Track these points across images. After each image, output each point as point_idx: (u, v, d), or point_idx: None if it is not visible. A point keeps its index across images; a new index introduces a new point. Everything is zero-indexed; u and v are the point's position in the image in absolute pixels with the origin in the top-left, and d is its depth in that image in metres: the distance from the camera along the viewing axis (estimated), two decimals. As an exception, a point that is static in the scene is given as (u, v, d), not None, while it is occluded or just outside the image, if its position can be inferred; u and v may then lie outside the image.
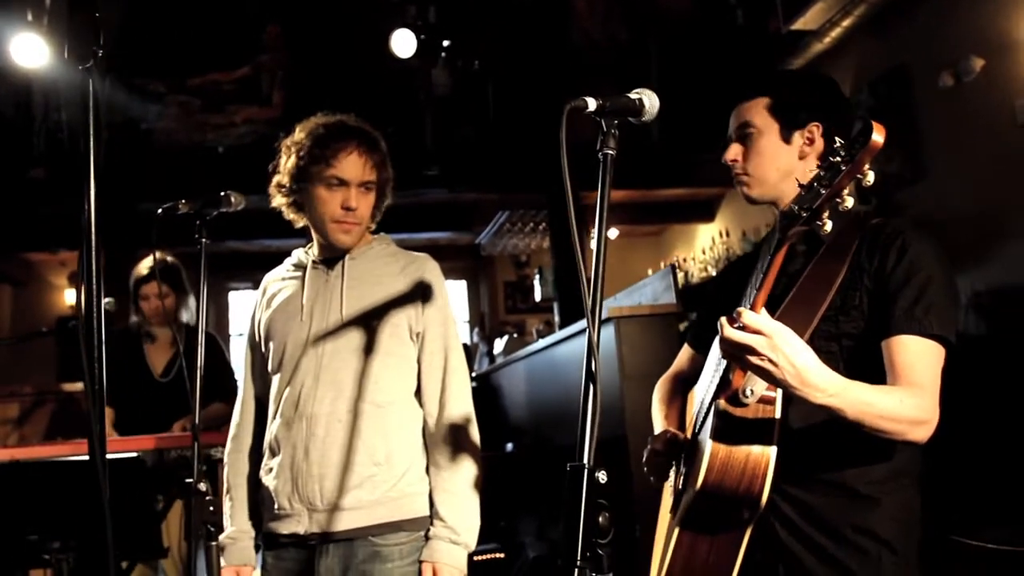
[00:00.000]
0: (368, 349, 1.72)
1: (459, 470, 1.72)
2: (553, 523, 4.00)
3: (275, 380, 1.79)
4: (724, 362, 1.34)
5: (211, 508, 1.58)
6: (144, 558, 2.79)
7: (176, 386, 3.13)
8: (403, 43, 6.49)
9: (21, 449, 2.76)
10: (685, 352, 1.79)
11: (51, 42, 4.52)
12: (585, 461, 0.99)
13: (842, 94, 1.51)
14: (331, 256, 1.82)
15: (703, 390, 1.50)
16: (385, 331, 1.74)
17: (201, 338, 1.68)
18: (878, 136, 1.04)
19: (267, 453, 1.77)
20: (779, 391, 1.28)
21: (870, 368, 1.30)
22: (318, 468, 1.66)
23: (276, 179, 1.82)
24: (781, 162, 1.45)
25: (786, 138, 1.45)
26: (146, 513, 2.48)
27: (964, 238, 3.98)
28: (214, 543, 1.59)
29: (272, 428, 1.76)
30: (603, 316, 3.01)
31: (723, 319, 1.20)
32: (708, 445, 1.30)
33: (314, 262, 1.83)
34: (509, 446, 5.02)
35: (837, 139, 1.11)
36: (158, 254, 3.19)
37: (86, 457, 1.01)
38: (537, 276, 8.81)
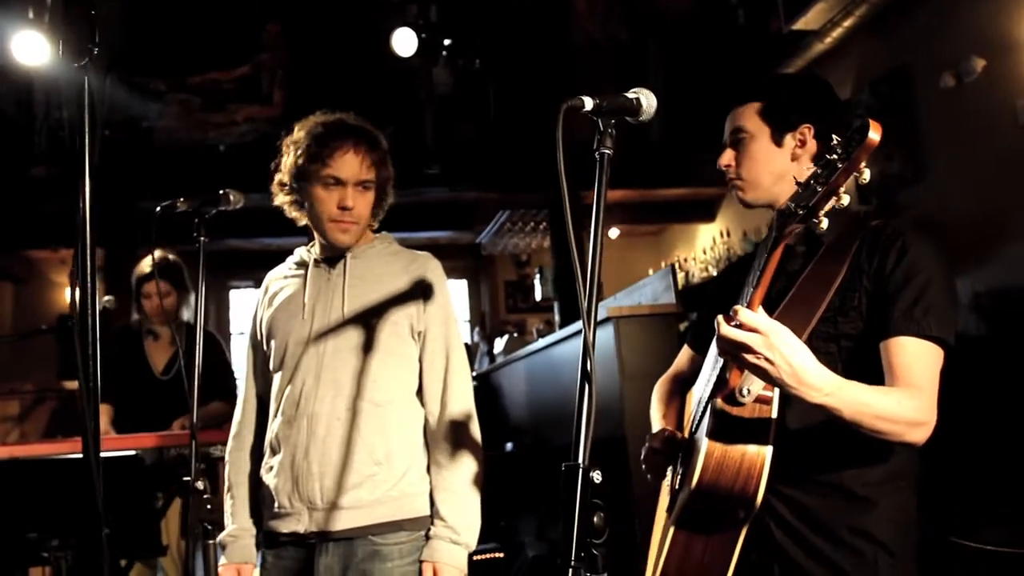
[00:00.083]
0: (368, 348, 1.72)
1: (460, 469, 1.72)
2: (553, 523, 3.99)
3: (276, 378, 1.79)
4: (721, 361, 1.34)
5: (208, 506, 1.58)
6: (143, 556, 2.79)
7: (176, 384, 3.12)
8: (404, 42, 6.50)
9: (20, 447, 2.76)
10: (685, 352, 1.79)
11: (52, 40, 4.52)
12: (580, 461, 0.99)
13: (835, 95, 1.51)
14: (333, 255, 1.81)
15: (701, 389, 1.50)
16: (386, 330, 1.73)
17: (200, 337, 1.68)
18: (874, 134, 1.04)
19: (268, 452, 1.76)
20: (776, 391, 1.28)
21: (869, 369, 1.29)
22: (318, 467, 1.66)
23: (278, 177, 1.82)
24: (774, 166, 1.45)
25: (777, 141, 1.45)
26: (145, 511, 2.48)
27: (965, 239, 3.98)
28: (212, 541, 1.59)
29: (273, 427, 1.76)
30: (603, 316, 3.04)
31: (720, 317, 1.20)
32: (704, 444, 1.30)
33: (316, 260, 1.83)
34: (509, 446, 5.02)
35: (834, 137, 1.11)
36: (160, 252, 3.20)
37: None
38: (537, 275, 8.80)
